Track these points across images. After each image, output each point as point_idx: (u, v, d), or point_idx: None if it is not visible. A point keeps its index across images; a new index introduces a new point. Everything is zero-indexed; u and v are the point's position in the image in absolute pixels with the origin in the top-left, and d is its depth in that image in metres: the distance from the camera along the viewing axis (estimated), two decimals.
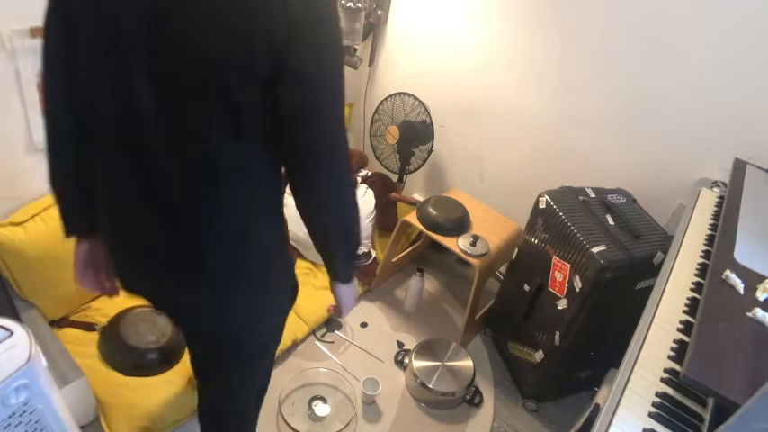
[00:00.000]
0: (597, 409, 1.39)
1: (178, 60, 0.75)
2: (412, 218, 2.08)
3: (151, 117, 0.80)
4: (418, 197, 2.56)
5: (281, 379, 1.85)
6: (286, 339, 1.94)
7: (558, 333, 1.69)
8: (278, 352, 1.89)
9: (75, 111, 0.90)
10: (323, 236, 0.96)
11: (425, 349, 1.94)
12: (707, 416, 0.88)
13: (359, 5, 2.16)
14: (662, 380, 0.93)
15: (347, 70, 2.51)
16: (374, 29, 2.44)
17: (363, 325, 2.16)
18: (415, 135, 2.30)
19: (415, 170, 2.43)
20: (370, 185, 2.40)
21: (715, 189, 1.60)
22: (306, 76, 0.76)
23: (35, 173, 1.69)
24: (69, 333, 1.74)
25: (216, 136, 0.80)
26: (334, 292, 1.08)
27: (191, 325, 1.12)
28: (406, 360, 2.00)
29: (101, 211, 0.99)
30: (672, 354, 0.97)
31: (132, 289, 1.07)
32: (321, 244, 0.98)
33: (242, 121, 0.79)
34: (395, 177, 2.51)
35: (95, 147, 0.90)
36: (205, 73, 0.75)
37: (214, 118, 0.78)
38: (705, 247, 1.27)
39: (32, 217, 1.62)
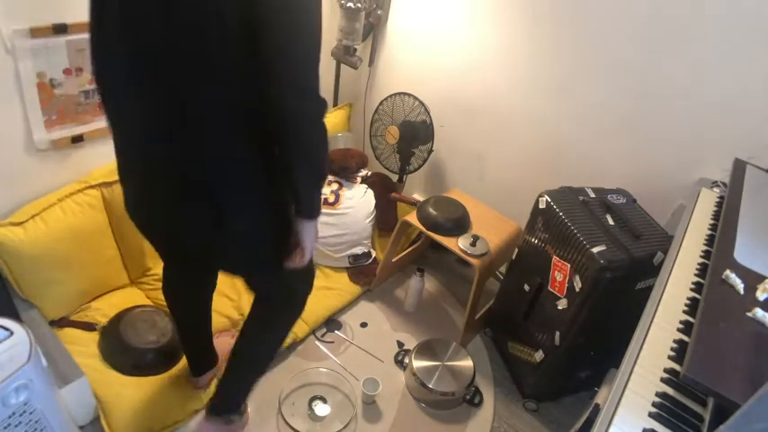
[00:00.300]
0: (597, 409, 1.39)
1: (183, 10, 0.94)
2: (412, 218, 2.08)
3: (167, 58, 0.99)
4: (418, 197, 2.56)
5: (281, 379, 1.85)
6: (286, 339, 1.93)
7: (558, 333, 1.69)
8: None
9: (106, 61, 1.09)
10: (289, 163, 1.08)
11: (425, 349, 1.94)
12: (707, 416, 0.88)
13: (359, 5, 2.16)
14: (662, 380, 0.93)
15: (347, 70, 2.52)
16: (374, 29, 2.44)
17: (363, 325, 2.16)
18: (415, 135, 2.30)
19: (415, 170, 2.43)
20: (370, 185, 2.40)
21: (715, 189, 1.60)
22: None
23: (35, 173, 1.69)
24: (69, 333, 1.74)
25: (216, 76, 0.98)
26: (298, 229, 1.19)
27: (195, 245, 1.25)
28: (406, 360, 2.00)
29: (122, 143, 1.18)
30: (672, 354, 0.97)
31: (137, 221, 1.27)
32: (289, 173, 1.09)
33: (232, 51, 0.96)
34: (395, 177, 2.51)
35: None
36: (207, 19, 0.93)
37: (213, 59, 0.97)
38: (705, 247, 1.27)
39: (32, 217, 1.62)
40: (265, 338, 1.54)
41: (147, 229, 1.30)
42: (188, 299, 1.58)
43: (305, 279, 1.46)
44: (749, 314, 0.97)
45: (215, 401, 1.57)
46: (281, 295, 1.44)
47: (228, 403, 1.58)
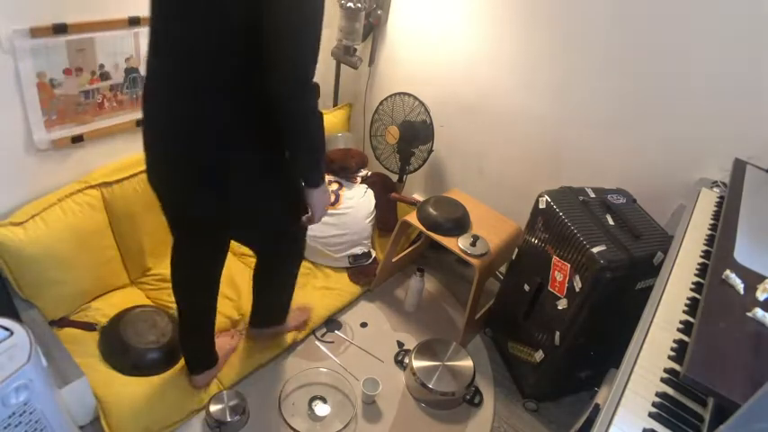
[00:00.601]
0: (597, 409, 1.39)
1: None
2: (412, 218, 2.08)
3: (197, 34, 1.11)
4: (418, 197, 2.56)
5: (280, 379, 1.85)
6: (286, 338, 1.94)
7: (558, 333, 1.69)
8: (280, 348, 1.90)
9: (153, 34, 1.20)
10: (292, 147, 1.23)
11: (425, 349, 1.94)
12: (707, 416, 0.88)
13: (359, 5, 2.16)
14: (662, 380, 0.93)
15: (347, 70, 2.52)
16: (374, 29, 2.44)
17: (363, 325, 2.16)
18: (415, 135, 2.30)
19: (415, 170, 2.43)
20: (370, 185, 2.40)
21: (715, 189, 1.60)
22: None
23: (35, 173, 1.69)
24: (69, 333, 1.74)
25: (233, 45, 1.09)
26: (306, 197, 1.35)
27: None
28: (406, 360, 2.00)
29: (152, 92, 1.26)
30: (672, 354, 0.97)
31: (154, 185, 1.36)
32: (293, 156, 1.26)
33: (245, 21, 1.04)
34: (395, 177, 2.51)
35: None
36: None
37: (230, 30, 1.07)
38: (705, 247, 1.27)
39: (32, 217, 1.62)
40: (281, 290, 1.80)
41: (161, 195, 1.40)
42: (195, 288, 1.60)
43: (303, 234, 1.66)
44: (749, 314, 0.97)
45: (254, 321, 1.85)
46: (286, 252, 1.64)
47: (268, 322, 1.86)
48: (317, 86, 1.15)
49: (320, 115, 1.20)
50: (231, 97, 1.15)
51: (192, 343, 1.67)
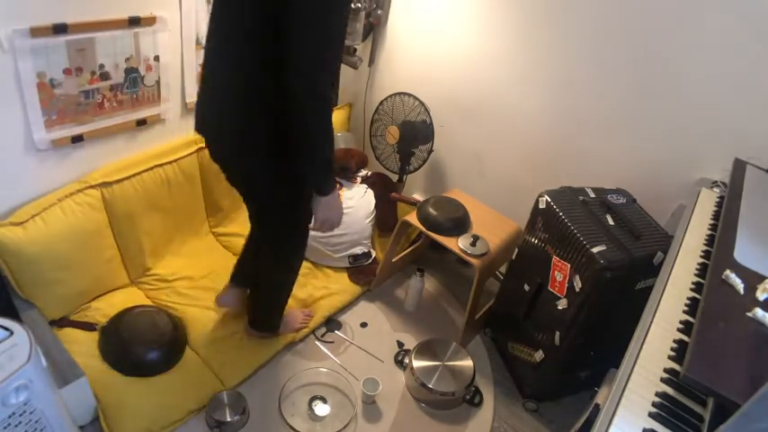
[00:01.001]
0: (597, 409, 1.39)
1: None
2: (412, 218, 2.08)
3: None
4: (418, 197, 2.56)
5: (280, 379, 1.85)
6: (285, 338, 1.94)
7: (558, 333, 1.69)
8: (280, 346, 1.90)
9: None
10: (299, 154, 1.31)
11: (425, 349, 1.94)
12: (707, 416, 0.88)
13: (359, 5, 2.17)
14: (662, 380, 0.93)
15: (347, 70, 2.52)
16: (374, 29, 2.44)
17: (363, 325, 2.16)
18: (415, 135, 2.30)
19: (415, 170, 2.43)
20: (370, 185, 2.40)
21: (715, 189, 1.60)
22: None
23: (35, 173, 1.69)
24: (69, 333, 1.74)
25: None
26: (313, 206, 1.42)
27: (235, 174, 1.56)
28: (406, 360, 2.00)
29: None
30: (672, 354, 0.97)
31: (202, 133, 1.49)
32: (301, 161, 1.33)
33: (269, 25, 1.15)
34: (395, 177, 2.51)
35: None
36: None
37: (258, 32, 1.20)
38: (705, 247, 1.27)
39: (32, 217, 1.62)
40: (265, 289, 1.82)
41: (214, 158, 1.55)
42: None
43: (296, 236, 1.69)
44: (749, 314, 0.97)
45: (250, 320, 1.89)
46: (273, 241, 1.67)
47: (260, 325, 1.89)
48: (330, 100, 1.23)
49: (329, 131, 1.28)
50: (248, 85, 1.26)
51: (240, 257, 1.89)
